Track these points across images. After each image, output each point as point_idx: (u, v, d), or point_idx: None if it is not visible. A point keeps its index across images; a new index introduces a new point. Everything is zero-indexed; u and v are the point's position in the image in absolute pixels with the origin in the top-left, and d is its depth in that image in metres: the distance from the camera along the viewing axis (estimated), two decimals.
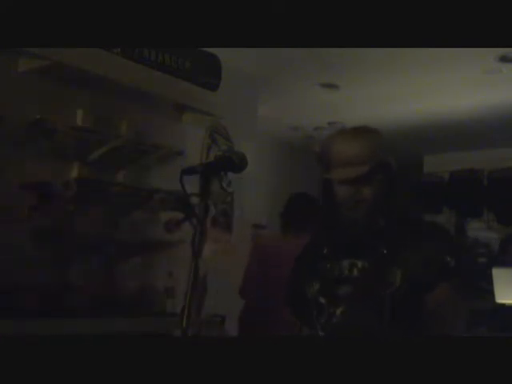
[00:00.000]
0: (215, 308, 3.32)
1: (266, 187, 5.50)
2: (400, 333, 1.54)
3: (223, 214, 3.58)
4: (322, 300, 1.72)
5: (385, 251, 1.59)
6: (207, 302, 3.35)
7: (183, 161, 2.93)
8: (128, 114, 2.87)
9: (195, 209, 1.49)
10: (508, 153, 5.69)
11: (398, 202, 1.75)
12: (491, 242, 5.70)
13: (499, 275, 4.82)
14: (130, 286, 2.88)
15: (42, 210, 2.46)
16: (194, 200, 1.52)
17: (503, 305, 4.76)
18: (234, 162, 1.53)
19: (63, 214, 2.59)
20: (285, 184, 6.07)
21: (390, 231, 1.67)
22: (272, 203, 5.67)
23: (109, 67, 2.62)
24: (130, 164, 2.85)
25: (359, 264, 1.67)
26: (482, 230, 5.74)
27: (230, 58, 3.35)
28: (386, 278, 1.55)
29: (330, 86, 4.44)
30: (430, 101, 4.65)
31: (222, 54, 3.27)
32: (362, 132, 1.77)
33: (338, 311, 1.68)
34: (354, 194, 1.68)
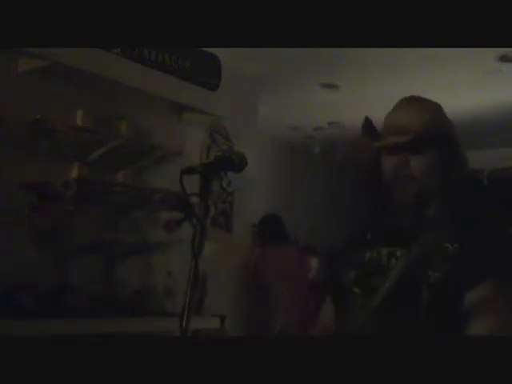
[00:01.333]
0: (215, 308, 3.32)
1: (266, 187, 5.50)
2: (434, 330, 1.41)
3: (223, 213, 3.58)
4: (356, 290, 1.59)
5: (432, 241, 1.39)
6: (207, 302, 3.35)
7: (183, 161, 2.93)
8: (128, 114, 2.87)
9: (195, 209, 1.49)
10: (508, 153, 5.69)
11: (456, 185, 1.56)
12: None
13: None
14: (130, 285, 2.88)
15: (42, 209, 2.46)
16: (194, 200, 1.52)
17: None
18: (234, 162, 1.52)
19: (63, 214, 2.59)
20: (285, 184, 6.07)
21: (441, 220, 1.48)
22: (272, 203, 5.67)
23: (109, 67, 2.62)
24: (130, 164, 2.85)
25: (398, 253, 1.50)
26: None
27: (229, 58, 3.35)
28: (423, 269, 1.39)
29: (330, 86, 4.44)
30: None
31: (222, 54, 3.27)
32: (418, 100, 1.63)
33: (371, 303, 1.50)
34: (401, 165, 1.49)
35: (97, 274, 2.77)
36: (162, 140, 2.97)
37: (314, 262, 4.44)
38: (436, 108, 1.61)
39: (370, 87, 4.45)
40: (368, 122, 1.67)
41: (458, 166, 1.57)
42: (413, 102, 1.62)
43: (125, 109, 2.88)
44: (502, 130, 5.23)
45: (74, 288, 2.56)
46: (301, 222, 5.51)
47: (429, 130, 1.51)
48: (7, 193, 2.41)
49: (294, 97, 4.77)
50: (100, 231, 2.68)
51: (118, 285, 2.84)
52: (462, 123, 5.25)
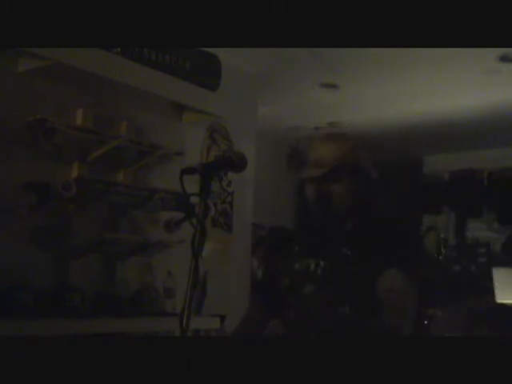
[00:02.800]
0: (215, 308, 3.32)
1: (266, 187, 5.49)
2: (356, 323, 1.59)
3: (223, 214, 3.58)
4: (290, 296, 1.80)
5: (348, 253, 1.65)
6: (207, 302, 3.35)
7: (183, 161, 2.92)
8: (128, 114, 2.87)
9: (195, 209, 1.49)
10: (508, 153, 5.69)
11: (371, 206, 1.80)
12: (491, 242, 5.70)
13: (499, 275, 4.82)
14: (130, 285, 2.88)
15: (42, 209, 2.46)
16: (194, 200, 1.52)
17: (503, 305, 4.76)
18: (234, 162, 1.53)
19: (63, 214, 2.59)
20: (285, 184, 6.07)
21: (358, 233, 1.74)
22: (272, 203, 5.67)
23: (109, 67, 2.62)
24: (130, 164, 2.85)
25: (322, 264, 1.74)
26: (482, 230, 5.74)
27: (230, 57, 3.35)
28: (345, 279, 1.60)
29: (330, 86, 4.44)
30: (430, 101, 4.65)
31: (222, 54, 3.27)
32: (335, 136, 1.91)
33: (303, 308, 1.75)
34: (320, 192, 1.77)
35: (97, 274, 2.77)
36: (162, 140, 2.97)
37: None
38: (352, 143, 1.87)
39: (369, 87, 4.45)
40: (294, 156, 1.91)
41: (369, 187, 1.81)
42: (330, 139, 1.89)
43: (125, 109, 2.88)
44: (502, 130, 5.23)
45: (74, 288, 2.56)
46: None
47: (345, 162, 1.78)
48: (7, 193, 2.40)
49: (294, 97, 4.77)
50: (100, 231, 2.68)
51: (118, 285, 2.84)
52: (462, 123, 5.28)
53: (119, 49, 2.69)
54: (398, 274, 1.65)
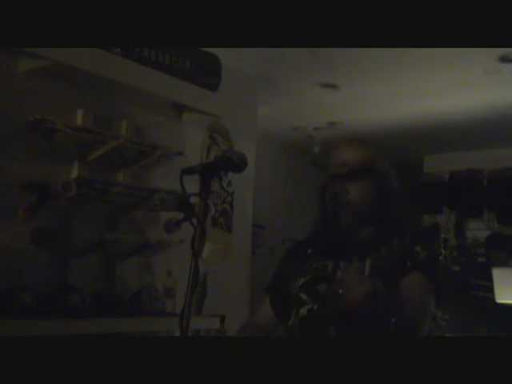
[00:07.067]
0: (215, 308, 3.32)
1: (266, 187, 5.50)
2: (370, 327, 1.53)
3: (223, 214, 3.58)
4: (303, 296, 1.77)
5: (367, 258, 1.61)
6: (207, 302, 3.35)
7: (183, 161, 2.92)
8: (128, 114, 2.87)
9: (195, 209, 1.49)
10: (508, 153, 5.69)
11: (390, 213, 1.78)
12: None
13: (499, 275, 4.82)
14: (130, 285, 2.88)
15: (42, 210, 2.46)
16: (194, 200, 1.52)
17: (503, 305, 4.76)
18: (234, 162, 1.53)
19: (63, 214, 2.59)
20: (285, 184, 6.08)
21: (375, 240, 1.72)
22: (272, 203, 5.68)
23: (109, 67, 2.62)
24: (130, 164, 2.85)
25: (342, 266, 1.74)
26: (482, 230, 5.74)
27: (230, 57, 3.35)
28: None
29: (330, 86, 4.44)
30: (430, 101, 4.65)
31: (222, 54, 3.27)
32: (363, 142, 1.89)
33: (316, 307, 1.72)
34: (341, 192, 1.76)
35: (97, 273, 2.77)
36: (162, 140, 2.97)
37: None
38: (372, 148, 1.88)
39: (369, 87, 4.45)
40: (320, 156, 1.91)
41: (390, 197, 1.80)
42: (357, 142, 1.89)
43: (125, 109, 2.88)
44: (502, 130, 5.23)
45: (74, 288, 2.56)
46: (300, 222, 5.51)
47: (368, 166, 1.79)
48: (7, 193, 2.40)
49: (294, 97, 4.77)
50: (100, 231, 2.68)
51: (118, 285, 2.84)
52: (462, 123, 5.28)
53: (119, 49, 2.69)
54: (420, 277, 1.65)
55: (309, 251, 1.86)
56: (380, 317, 1.49)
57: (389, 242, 1.59)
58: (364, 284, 1.48)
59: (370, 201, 1.77)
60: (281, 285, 1.88)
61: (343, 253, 1.75)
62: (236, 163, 1.53)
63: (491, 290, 4.80)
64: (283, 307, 1.84)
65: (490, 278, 4.85)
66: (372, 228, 1.76)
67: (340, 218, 1.76)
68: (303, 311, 1.75)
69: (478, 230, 5.76)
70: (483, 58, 3.75)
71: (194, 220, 1.46)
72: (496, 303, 4.76)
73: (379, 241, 1.64)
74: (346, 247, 1.76)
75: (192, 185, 1.49)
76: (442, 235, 5.54)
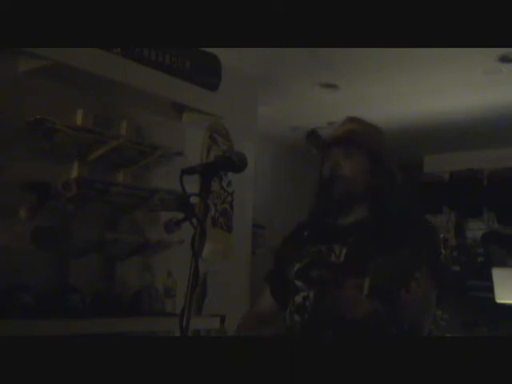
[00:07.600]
0: (215, 308, 3.32)
1: (266, 187, 5.49)
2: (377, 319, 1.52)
3: (223, 214, 3.58)
4: (298, 283, 1.76)
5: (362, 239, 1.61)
6: (207, 302, 3.35)
7: (183, 161, 2.92)
8: (128, 114, 2.87)
9: (195, 209, 1.49)
10: (508, 153, 5.69)
11: (390, 210, 1.75)
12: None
13: (499, 275, 4.82)
14: (130, 285, 2.88)
15: (42, 209, 2.46)
16: (194, 200, 1.52)
17: (503, 305, 4.76)
18: (234, 162, 1.53)
19: (63, 214, 2.59)
20: (285, 184, 6.07)
21: (367, 224, 1.71)
22: (272, 203, 5.67)
23: (109, 67, 2.62)
24: (130, 164, 2.85)
25: (337, 249, 1.72)
26: (482, 230, 5.74)
27: (230, 57, 3.35)
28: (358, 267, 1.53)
29: (330, 86, 4.44)
30: (430, 101, 4.65)
31: (222, 54, 3.27)
32: (356, 119, 1.89)
33: (311, 294, 1.70)
34: (335, 167, 1.77)
35: (97, 273, 2.77)
36: (162, 140, 2.97)
37: None
38: (370, 127, 1.88)
39: (369, 87, 4.45)
40: (313, 134, 1.90)
41: (385, 176, 1.78)
42: (352, 121, 1.88)
43: (125, 109, 2.88)
44: (502, 130, 5.23)
45: (74, 288, 2.56)
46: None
47: (358, 141, 1.78)
48: (7, 193, 2.40)
49: (294, 97, 4.76)
50: (100, 231, 2.68)
51: (118, 285, 2.84)
52: (462, 123, 5.28)
53: (119, 49, 2.69)
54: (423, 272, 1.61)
55: (305, 233, 1.85)
56: (380, 330, 1.49)
57: (387, 252, 1.52)
58: (363, 305, 1.46)
59: (364, 180, 1.76)
60: (279, 272, 1.87)
61: (337, 235, 1.74)
62: (236, 163, 1.53)
63: (491, 289, 4.80)
64: (283, 295, 1.82)
65: (489, 278, 4.84)
66: (365, 208, 1.75)
67: (332, 192, 1.76)
68: (298, 299, 1.73)
69: (478, 230, 5.76)
70: (483, 57, 3.75)
71: (194, 220, 1.46)
72: (496, 303, 4.76)
73: (377, 254, 1.56)
74: (339, 228, 1.76)
75: (192, 185, 1.49)
76: (442, 235, 5.54)
